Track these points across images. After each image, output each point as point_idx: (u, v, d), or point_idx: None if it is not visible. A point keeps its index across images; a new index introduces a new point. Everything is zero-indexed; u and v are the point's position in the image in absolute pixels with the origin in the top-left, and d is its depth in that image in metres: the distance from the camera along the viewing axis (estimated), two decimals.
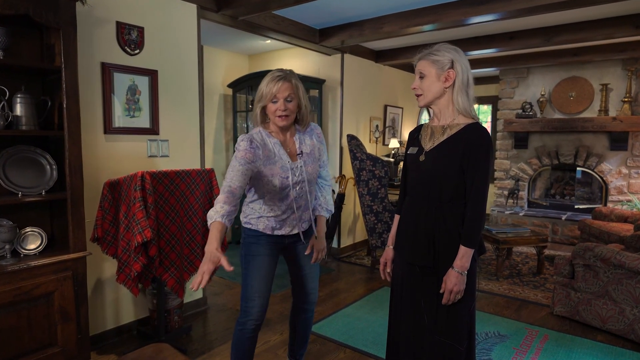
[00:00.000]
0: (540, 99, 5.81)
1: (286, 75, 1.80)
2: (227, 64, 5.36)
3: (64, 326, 2.19)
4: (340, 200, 4.61)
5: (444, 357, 1.63)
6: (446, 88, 1.61)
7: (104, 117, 2.65)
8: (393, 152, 5.69)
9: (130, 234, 2.35)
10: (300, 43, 4.30)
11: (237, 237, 5.26)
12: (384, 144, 5.68)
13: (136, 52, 2.77)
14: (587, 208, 5.69)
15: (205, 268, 1.48)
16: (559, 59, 5.16)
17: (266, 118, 1.87)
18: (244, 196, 1.93)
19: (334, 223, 4.64)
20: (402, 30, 3.78)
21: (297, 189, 1.88)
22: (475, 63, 5.66)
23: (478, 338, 2.88)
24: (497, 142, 6.37)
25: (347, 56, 4.78)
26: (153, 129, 2.90)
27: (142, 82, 2.83)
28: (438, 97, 1.63)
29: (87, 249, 2.28)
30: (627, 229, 4.26)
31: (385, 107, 5.64)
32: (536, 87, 5.96)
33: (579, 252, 3.09)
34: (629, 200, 5.30)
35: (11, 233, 2.08)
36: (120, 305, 2.84)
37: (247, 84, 4.93)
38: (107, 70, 2.63)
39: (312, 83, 4.74)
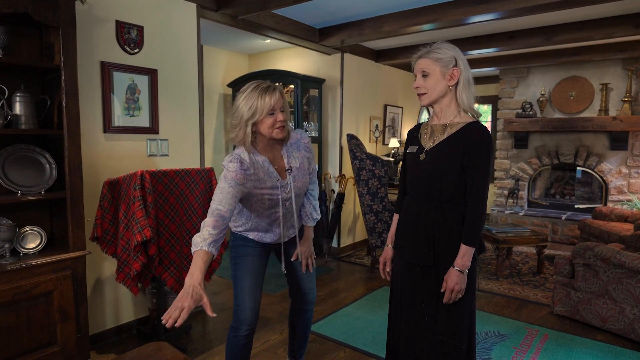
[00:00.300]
0: (540, 99, 5.81)
1: (274, 85, 1.70)
2: (226, 64, 5.36)
3: (64, 325, 2.18)
4: (340, 199, 4.61)
5: (445, 356, 1.63)
6: (450, 86, 1.61)
7: (104, 116, 2.64)
8: (393, 151, 5.69)
9: (129, 233, 2.35)
10: (300, 42, 4.30)
11: None
12: (383, 143, 5.68)
13: (136, 51, 2.77)
14: (587, 208, 5.69)
15: (185, 304, 1.32)
16: (558, 58, 5.15)
17: (254, 135, 1.71)
18: None
19: (334, 223, 4.64)
20: (402, 29, 3.78)
21: (287, 205, 1.83)
22: (475, 63, 5.66)
23: (478, 337, 2.87)
24: (497, 141, 6.37)
25: (347, 56, 4.78)
26: (153, 128, 2.90)
27: (142, 82, 2.83)
28: (442, 96, 1.63)
29: (86, 248, 2.28)
30: (627, 228, 4.26)
31: (385, 106, 5.64)
32: (536, 86, 5.96)
33: (579, 252, 3.09)
34: (629, 200, 5.30)
35: (10, 232, 2.07)
36: (119, 305, 2.83)
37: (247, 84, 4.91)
38: (107, 70, 2.63)
39: (312, 82, 4.74)
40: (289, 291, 2.16)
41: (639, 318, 2.79)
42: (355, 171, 4.24)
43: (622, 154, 5.39)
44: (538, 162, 6.02)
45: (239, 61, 5.50)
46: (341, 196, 4.61)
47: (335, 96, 4.81)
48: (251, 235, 1.92)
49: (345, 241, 5.03)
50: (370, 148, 5.30)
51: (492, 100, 6.89)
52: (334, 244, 4.91)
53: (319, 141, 4.86)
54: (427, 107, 1.73)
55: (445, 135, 1.62)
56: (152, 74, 2.86)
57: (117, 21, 2.66)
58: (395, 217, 1.85)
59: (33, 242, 2.23)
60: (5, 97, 2.10)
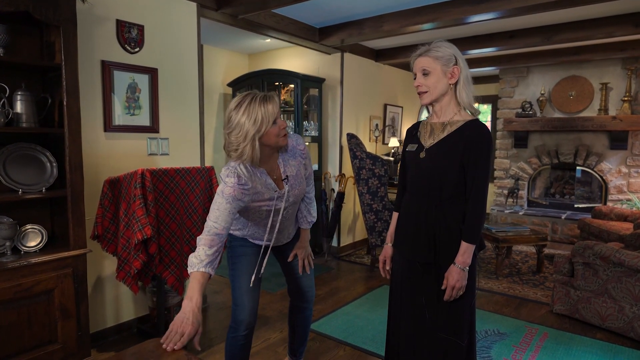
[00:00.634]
0: (540, 98, 5.81)
1: (271, 93, 1.65)
2: (226, 63, 5.36)
3: (64, 323, 2.19)
4: (339, 199, 4.61)
5: (446, 353, 1.63)
6: (450, 85, 1.62)
7: (104, 115, 2.65)
8: (393, 151, 5.69)
9: (130, 231, 2.35)
10: (300, 42, 4.30)
11: None
12: (383, 142, 5.69)
13: (136, 50, 2.78)
14: (587, 207, 5.69)
15: (185, 331, 1.32)
16: (558, 58, 5.16)
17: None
18: None
19: (334, 222, 4.64)
20: (402, 29, 3.78)
21: (284, 213, 1.82)
22: (475, 62, 5.67)
23: (478, 336, 2.88)
24: (497, 141, 6.37)
25: (347, 55, 4.78)
26: (153, 127, 2.90)
27: (142, 80, 2.83)
28: (442, 94, 1.63)
29: (87, 247, 2.28)
30: (626, 227, 4.27)
31: (385, 106, 5.65)
32: (536, 86, 5.97)
33: (578, 251, 3.10)
34: (629, 199, 5.31)
35: (11, 230, 2.08)
36: (120, 303, 2.84)
37: (246, 83, 4.93)
38: (107, 68, 2.64)
39: (312, 82, 4.74)
40: (287, 290, 2.16)
41: (638, 316, 2.80)
42: (355, 170, 4.25)
43: (622, 153, 5.40)
44: (538, 162, 6.03)
45: (239, 60, 5.50)
46: (341, 195, 4.62)
47: (335, 95, 4.81)
48: (248, 238, 1.94)
49: (345, 240, 5.04)
50: (370, 147, 5.30)
51: (492, 100, 6.90)
52: (334, 243, 4.92)
53: (318, 140, 4.87)
54: (427, 105, 1.73)
55: (445, 133, 1.63)
56: (152, 73, 2.87)
57: (117, 20, 2.67)
58: (395, 215, 1.86)
59: (34, 240, 2.23)
60: (7, 95, 2.11)
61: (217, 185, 2.73)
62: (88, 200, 2.43)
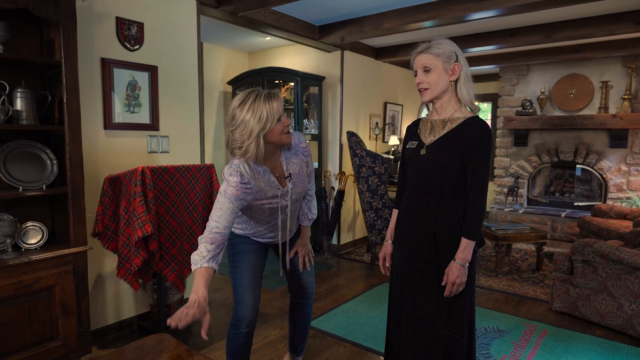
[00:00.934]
0: (540, 97, 5.81)
1: (275, 91, 1.65)
2: (226, 61, 5.36)
3: (65, 320, 2.20)
4: (339, 197, 4.62)
5: (446, 349, 1.64)
6: (451, 81, 1.62)
7: (104, 112, 2.65)
8: (393, 149, 5.69)
9: (130, 228, 2.36)
10: (300, 40, 4.30)
11: None
12: (383, 141, 5.69)
13: (136, 47, 2.78)
14: (587, 205, 5.70)
15: (191, 311, 1.34)
16: (559, 56, 5.15)
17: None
18: None
19: (334, 220, 4.65)
20: (402, 26, 3.78)
21: (286, 211, 1.82)
22: (475, 60, 5.66)
23: (477, 333, 2.89)
24: (497, 139, 6.37)
25: (346, 53, 4.78)
26: (153, 125, 2.90)
27: (142, 78, 2.83)
28: (443, 91, 1.63)
29: (87, 244, 2.29)
30: (626, 225, 4.27)
31: (385, 104, 5.64)
32: (536, 84, 5.96)
33: (578, 248, 3.10)
34: (629, 198, 5.31)
35: (12, 227, 2.08)
36: (120, 300, 2.85)
37: (246, 81, 4.93)
38: (107, 66, 2.64)
39: (312, 80, 4.74)
40: (288, 286, 2.17)
41: (637, 314, 2.80)
42: (355, 168, 4.25)
43: (622, 151, 5.40)
44: (538, 160, 6.03)
45: (238, 58, 5.50)
46: (341, 193, 4.62)
47: (335, 94, 4.81)
48: (250, 236, 1.94)
49: (345, 238, 5.05)
50: (370, 145, 5.31)
51: (492, 98, 6.89)
52: (334, 241, 4.92)
53: (319, 138, 4.87)
54: (427, 103, 1.73)
55: (446, 130, 1.63)
56: (152, 70, 2.87)
57: (117, 17, 2.67)
58: (395, 212, 1.86)
59: (34, 237, 2.24)
60: (6, 92, 2.11)
61: (217, 182, 2.75)
62: (88, 198, 2.44)
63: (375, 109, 5.46)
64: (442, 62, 1.59)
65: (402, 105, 6.04)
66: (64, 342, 2.20)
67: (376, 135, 5.42)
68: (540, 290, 3.75)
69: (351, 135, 4.35)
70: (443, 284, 1.59)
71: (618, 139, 5.34)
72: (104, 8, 2.60)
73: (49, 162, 2.27)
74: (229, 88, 5.32)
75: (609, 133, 5.41)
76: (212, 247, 1.54)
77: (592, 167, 5.63)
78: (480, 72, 6.67)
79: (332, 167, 4.88)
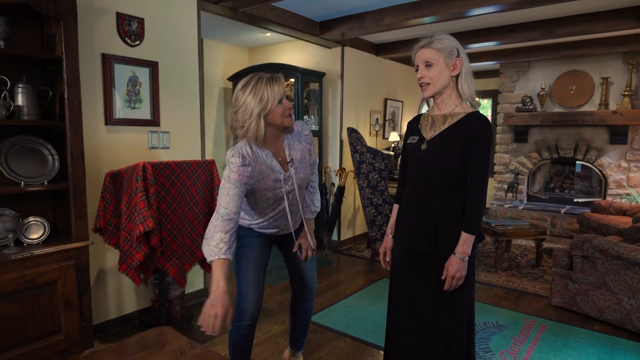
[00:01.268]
0: (541, 93, 5.81)
1: (277, 75, 1.71)
2: (226, 57, 5.36)
3: (67, 314, 2.21)
4: (340, 193, 4.63)
5: (445, 343, 1.65)
6: (452, 77, 1.62)
7: (105, 108, 2.66)
8: (393, 145, 5.70)
9: (132, 224, 2.37)
10: (301, 36, 4.30)
11: None
12: (384, 137, 5.69)
13: (136, 43, 2.78)
14: (586, 201, 5.71)
15: (218, 312, 1.45)
16: (559, 52, 5.15)
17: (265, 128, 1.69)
18: None
19: (334, 216, 4.66)
20: (402, 22, 3.78)
21: (290, 197, 1.83)
22: (475, 56, 5.66)
23: (477, 327, 2.90)
24: (497, 136, 6.38)
25: (347, 49, 4.78)
26: (154, 121, 2.91)
27: (143, 74, 2.84)
28: (445, 86, 1.64)
29: (89, 239, 2.30)
30: (625, 221, 4.29)
31: (385, 100, 5.65)
32: (536, 80, 5.96)
33: (577, 244, 3.12)
34: (628, 194, 5.32)
35: (14, 222, 2.09)
36: (122, 295, 2.86)
37: None
38: (108, 61, 2.64)
39: (312, 76, 4.74)
40: (289, 281, 2.18)
41: (636, 309, 2.82)
42: (356, 164, 4.26)
43: (622, 148, 5.41)
44: (538, 156, 6.04)
45: (239, 55, 5.50)
46: (341, 189, 4.63)
47: (336, 90, 4.81)
48: (255, 227, 1.94)
49: (346, 234, 5.06)
50: (370, 142, 5.31)
51: (493, 95, 6.89)
52: (334, 237, 4.94)
53: (319, 135, 4.87)
54: (428, 98, 1.73)
55: (447, 125, 1.64)
56: (152, 66, 2.87)
57: (117, 13, 2.67)
58: (395, 207, 1.87)
59: (36, 232, 2.25)
60: (8, 88, 2.11)
61: (218, 178, 2.76)
62: (89, 193, 2.44)
63: (375, 105, 5.46)
64: (443, 57, 1.60)
65: (402, 102, 6.04)
66: (67, 336, 2.21)
67: (376, 131, 5.42)
68: (539, 285, 3.76)
69: (351, 131, 4.36)
70: (443, 277, 1.60)
71: (618, 135, 5.35)
72: (104, 3, 2.60)
73: (50, 157, 2.28)
74: (229, 84, 5.32)
75: (609, 129, 5.41)
76: (227, 237, 1.59)
77: (592, 164, 5.64)
78: (481, 69, 6.66)
79: (333, 163, 4.89)
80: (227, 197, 1.64)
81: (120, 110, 2.73)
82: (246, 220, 1.93)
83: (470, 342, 1.74)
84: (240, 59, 5.51)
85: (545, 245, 4.76)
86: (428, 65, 1.61)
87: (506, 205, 6.03)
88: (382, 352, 2.54)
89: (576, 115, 5.46)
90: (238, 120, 1.66)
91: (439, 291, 1.64)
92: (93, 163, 2.59)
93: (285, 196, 1.80)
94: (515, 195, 6.18)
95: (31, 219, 2.26)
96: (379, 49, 5.27)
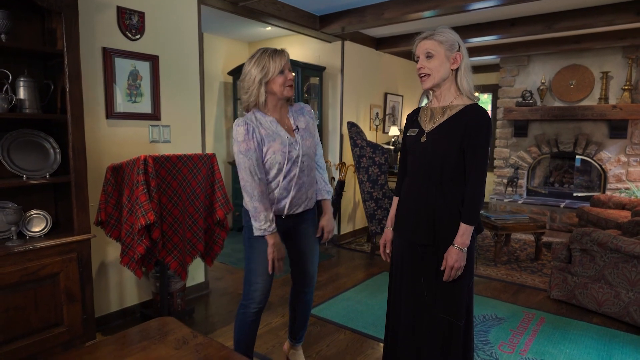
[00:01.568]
0: (541, 87, 5.81)
1: (281, 49, 1.86)
2: (227, 52, 5.35)
3: (70, 307, 2.23)
4: (340, 187, 4.64)
5: (444, 333, 1.67)
6: (452, 70, 1.63)
7: (106, 102, 2.66)
8: (393, 139, 5.71)
9: (133, 217, 2.38)
10: (301, 30, 4.29)
11: (237, 224, 5.31)
12: (384, 131, 5.70)
13: (137, 37, 2.78)
14: (586, 196, 5.73)
15: (277, 256, 1.82)
16: (559, 46, 5.15)
17: (266, 96, 1.85)
18: None
19: (334, 210, 4.68)
20: (402, 16, 3.77)
21: (299, 163, 1.89)
22: (476, 51, 5.65)
23: (476, 320, 2.93)
24: (497, 130, 6.38)
25: (347, 43, 4.77)
26: (155, 115, 2.92)
27: (143, 68, 2.84)
28: (444, 79, 1.65)
29: (91, 232, 2.31)
30: (624, 215, 4.30)
31: (386, 94, 5.65)
32: (537, 75, 5.96)
33: (576, 237, 3.13)
34: (628, 188, 5.34)
35: (17, 215, 2.11)
36: (123, 288, 2.88)
37: None
38: (109, 55, 2.64)
39: (313, 70, 4.74)
40: (291, 274, 2.20)
41: (634, 301, 2.84)
42: (356, 159, 4.27)
43: (621, 142, 5.42)
44: (537, 151, 6.05)
45: (239, 49, 5.49)
46: (341, 184, 4.64)
47: (336, 84, 4.81)
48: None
49: (345, 228, 5.08)
50: (370, 136, 5.32)
51: (493, 89, 6.89)
52: (334, 231, 4.94)
53: (319, 129, 4.88)
54: (428, 91, 1.74)
55: (446, 117, 1.65)
56: (153, 60, 2.87)
57: (118, 7, 2.67)
58: (395, 199, 1.89)
59: (38, 225, 2.27)
60: (9, 81, 2.12)
61: (219, 172, 2.77)
62: (91, 186, 2.46)
63: (375, 99, 5.46)
64: (444, 50, 1.61)
65: (402, 96, 6.04)
66: (69, 328, 2.24)
67: (376, 125, 5.43)
68: (538, 279, 3.79)
69: (351, 125, 4.36)
70: (442, 268, 1.62)
71: (618, 129, 5.36)
72: None
73: (52, 150, 2.29)
74: (230, 79, 5.32)
75: (609, 124, 5.42)
76: (270, 215, 1.82)
77: (592, 158, 5.65)
78: (481, 63, 6.66)
79: (333, 158, 4.90)
80: (246, 169, 1.79)
81: (121, 104, 2.74)
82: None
83: (468, 333, 1.75)
84: (241, 53, 5.50)
85: (545, 239, 4.78)
86: (429, 56, 1.62)
87: (506, 200, 6.05)
88: (381, 344, 2.57)
89: (576, 110, 5.47)
90: (244, 87, 1.84)
91: (438, 282, 1.66)
92: (94, 156, 2.60)
93: (294, 161, 1.87)
94: (515, 189, 6.20)
95: (33, 212, 2.28)
96: (379, 43, 5.27)
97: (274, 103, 1.87)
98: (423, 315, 1.72)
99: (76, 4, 2.16)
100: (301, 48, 4.98)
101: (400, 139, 5.66)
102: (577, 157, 5.86)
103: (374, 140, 5.32)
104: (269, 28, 4.68)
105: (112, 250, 2.78)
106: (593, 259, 3.06)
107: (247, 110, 1.89)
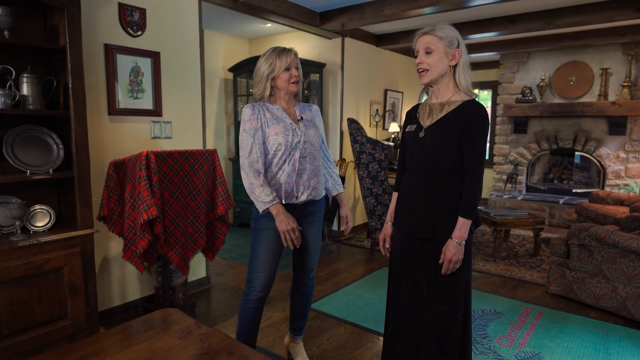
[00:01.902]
0: (540, 84, 5.82)
1: (290, 48, 1.99)
2: (227, 48, 5.36)
3: (74, 300, 2.26)
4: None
5: (442, 325, 1.70)
6: (450, 66, 1.65)
7: (108, 98, 2.68)
8: (393, 136, 5.73)
9: (136, 212, 2.40)
10: (301, 26, 4.30)
11: (239, 219, 5.33)
12: (384, 128, 5.71)
13: (138, 33, 2.80)
14: (585, 192, 5.75)
15: (292, 225, 1.86)
16: (559, 42, 5.16)
17: (272, 90, 1.99)
18: None
19: (335, 206, 4.70)
20: (402, 13, 3.79)
21: (301, 148, 1.97)
22: (476, 47, 5.66)
23: (474, 315, 2.96)
24: (497, 127, 6.40)
25: (347, 40, 4.79)
26: (156, 111, 2.94)
27: (145, 64, 2.86)
28: (442, 75, 1.66)
29: (94, 227, 2.34)
30: (623, 211, 4.33)
31: (386, 91, 5.66)
32: (536, 71, 5.97)
33: (574, 232, 3.16)
34: (626, 184, 5.36)
35: (21, 210, 2.13)
36: (126, 283, 2.91)
37: (247, 68, 4.94)
38: (110, 52, 2.66)
39: (313, 67, 4.75)
40: (292, 265, 2.24)
41: (631, 296, 2.87)
42: (356, 155, 4.29)
43: (621, 138, 5.44)
44: (537, 147, 6.07)
45: (239, 45, 5.50)
46: (341, 180, 4.66)
47: (336, 81, 4.83)
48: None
49: None
50: (370, 132, 5.34)
51: (492, 86, 6.90)
52: (334, 227, 4.98)
53: None
54: (426, 86, 1.76)
55: (444, 113, 1.67)
56: (154, 56, 2.89)
57: (119, 3, 2.68)
58: (394, 195, 1.91)
59: (42, 220, 2.29)
60: (13, 78, 2.14)
61: (220, 167, 2.79)
62: (93, 182, 2.48)
63: (375, 96, 5.48)
64: (444, 46, 1.62)
65: (402, 93, 6.06)
66: (73, 321, 2.26)
67: (376, 122, 5.45)
68: (537, 274, 3.82)
69: (352, 122, 4.38)
70: (440, 261, 1.64)
71: (617, 126, 5.38)
72: None
73: (55, 146, 2.31)
74: (230, 75, 5.33)
75: (608, 120, 5.44)
76: (267, 189, 1.88)
77: (591, 154, 5.67)
78: (481, 60, 6.66)
79: (333, 154, 4.92)
80: (247, 147, 1.90)
81: (123, 100, 2.76)
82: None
83: (466, 326, 1.78)
84: (241, 49, 5.52)
85: (544, 235, 4.81)
86: (428, 52, 1.64)
87: (505, 196, 6.08)
88: (381, 338, 2.60)
89: (575, 106, 5.48)
90: (254, 81, 2.01)
91: (436, 275, 1.68)
92: (97, 152, 2.63)
93: (296, 145, 1.94)
94: (514, 186, 6.22)
95: (37, 206, 2.30)
96: (379, 40, 5.28)
97: (280, 98, 2.01)
98: (422, 309, 1.74)
99: (78, 0, 2.17)
100: (301, 45, 4.99)
101: (400, 135, 5.68)
102: (576, 153, 5.88)
103: (374, 137, 5.34)
104: (269, 25, 4.69)
105: (115, 246, 2.81)
106: (591, 254, 3.09)
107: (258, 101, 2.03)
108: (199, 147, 3.25)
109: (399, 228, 1.82)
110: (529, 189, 6.25)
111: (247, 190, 1.93)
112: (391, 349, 1.91)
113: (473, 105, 1.63)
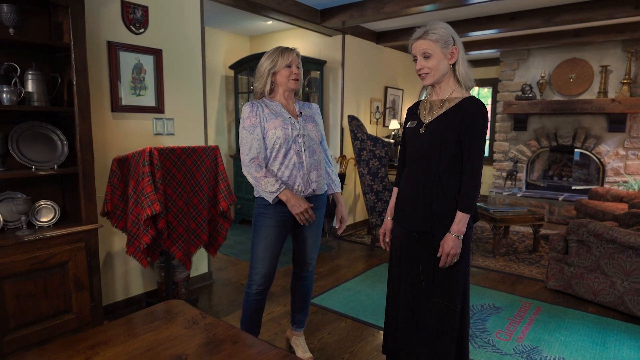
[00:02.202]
0: (540, 81, 5.84)
1: (292, 47, 2.06)
2: (228, 45, 5.38)
3: (78, 294, 2.29)
4: (340, 180, 4.69)
5: (440, 318, 1.73)
6: (450, 65, 1.68)
7: (111, 95, 2.71)
8: (393, 133, 5.75)
9: (139, 207, 2.44)
10: (302, 24, 4.32)
11: (240, 216, 5.36)
12: (384, 125, 5.74)
13: (141, 31, 2.82)
14: (584, 189, 5.78)
15: (304, 205, 1.91)
16: (559, 40, 5.17)
17: (272, 86, 2.05)
18: None
19: (334, 203, 4.72)
20: (403, 10, 3.80)
21: (300, 142, 2.02)
22: (476, 45, 5.68)
23: (474, 309, 2.99)
24: (497, 124, 6.42)
25: (348, 37, 4.80)
26: (158, 108, 2.96)
27: (147, 61, 2.88)
28: (444, 74, 1.69)
29: (98, 222, 2.37)
30: (621, 208, 4.36)
31: (386, 88, 5.68)
32: (536, 68, 5.99)
33: (573, 228, 3.19)
34: (626, 181, 5.39)
35: (26, 205, 2.16)
36: (129, 278, 2.95)
37: (248, 66, 4.96)
38: (113, 49, 2.68)
39: (313, 64, 4.77)
40: (292, 257, 2.29)
41: (629, 291, 2.90)
42: (356, 152, 4.32)
43: (620, 135, 5.46)
44: (537, 144, 6.09)
45: (240, 43, 5.52)
46: (342, 176, 4.69)
47: (336, 78, 4.85)
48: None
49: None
50: (370, 129, 5.36)
51: (492, 83, 6.92)
52: (334, 223, 5.00)
53: None
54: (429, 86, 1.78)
55: (444, 110, 1.70)
56: (157, 54, 2.91)
57: (122, 1, 2.70)
58: (395, 190, 1.94)
59: (47, 215, 2.32)
60: (18, 75, 2.16)
61: (222, 164, 2.82)
62: (97, 178, 2.50)
63: (376, 93, 5.50)
64: (440, 47, 1.64)
65: (402, 90, 6.08)
66: (78, 315, 2.30)
67: (377, 119, 5.47)
68: (536, 270, 3.85)
69: (352, 119, 4.41)
70: (438, 255, 1.68)
71: (616, 123, 5.40)
72: None
73: (59, 142, 2.34)
74: (231, 72, 5.36)
75: (608, 117, 5.46)
76: (272, 179, 1.93)
77: (591, 152, 5.70)
78: (481, 57, 6.68)
79: (333, 151, 4.94)
80: (247, 144, 1.96)
81: (126, 97, 2.79)
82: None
83: (464, 319, 1.81)
84: (242, 47, 5.54)
85: (543, 231, 4.84)
86: (426, 56, 1.67)
87: (505, 193, 6.11)
88: (381, 332, 2.63)
89: (575, 104, 5.50)
90: (256, 76, 2.09)
91: (434, 268, 1.71)
92: (100, 149, 2.65)
93: (294, 139, 2.00)
94: (514, 182, 6.25)
95: (42, 202, 2.33)
96: (380, 37, 5.30)
97: (280, 94, 2.07)
98: (421, 302, 1.77)
99: None
100: (302, 42, 5.01)
101: (400, 132, 5.70)
102: (575, 150, 5.90)
103: (374, 134, 5.37)
104: (270, 22, 4.71)
105: (118, 241, 2.84)
106: (589, 249, 3.12)
107: (258, 99, 2.10)
108: (201, 143, 3.28)
109: (398, 222, 1.85)
110: (528, 185, 6.28)
111: (254, 185, 1.99)
112: (391, 343, 1.94)
113: (473, 102, 1.65)
